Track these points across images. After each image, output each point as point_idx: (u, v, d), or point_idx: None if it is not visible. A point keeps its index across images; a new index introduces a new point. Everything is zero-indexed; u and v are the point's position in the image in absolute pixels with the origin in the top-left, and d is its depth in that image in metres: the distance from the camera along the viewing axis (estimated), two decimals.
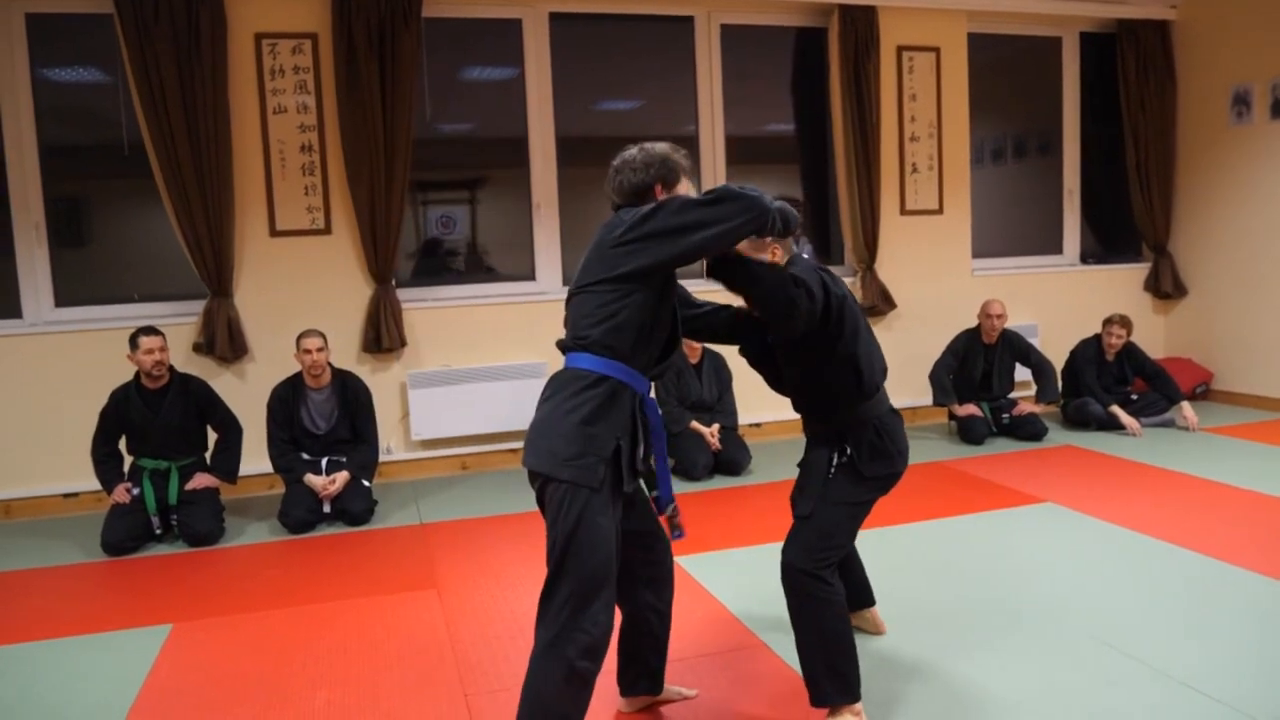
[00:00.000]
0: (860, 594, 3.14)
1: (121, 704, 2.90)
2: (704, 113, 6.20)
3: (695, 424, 5.25)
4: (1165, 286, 7.09)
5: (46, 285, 5.25)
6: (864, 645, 3.09)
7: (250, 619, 3.52)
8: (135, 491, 4.46)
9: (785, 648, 3.09)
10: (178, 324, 5.19)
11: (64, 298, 5.29)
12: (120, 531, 4.34)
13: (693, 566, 3.81)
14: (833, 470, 2.62)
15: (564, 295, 6.46)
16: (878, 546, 4.06)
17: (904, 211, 6.48)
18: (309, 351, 4.67)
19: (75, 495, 5.14)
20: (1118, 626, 3.16)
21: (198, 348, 5.26)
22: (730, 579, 3.70)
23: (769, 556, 3.95)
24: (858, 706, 2.53)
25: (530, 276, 5.95)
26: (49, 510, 5.12)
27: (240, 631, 3.40)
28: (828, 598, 2.53)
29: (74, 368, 5.11)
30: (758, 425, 6.12)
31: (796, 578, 2.54)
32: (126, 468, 4.62)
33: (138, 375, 4.53)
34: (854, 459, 2.60)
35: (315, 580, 3.94)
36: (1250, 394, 6.66)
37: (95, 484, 4.72)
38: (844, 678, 2.52)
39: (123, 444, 4.61)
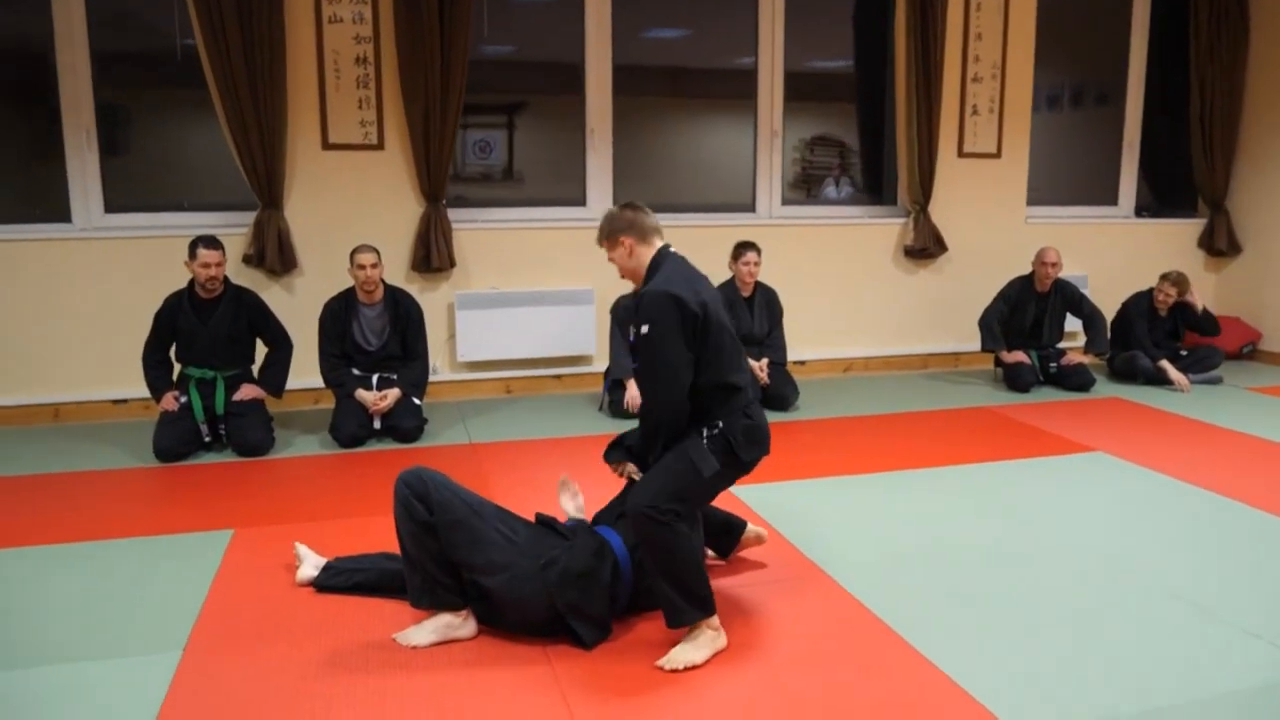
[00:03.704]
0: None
1: (193, 601, 2.94)
2: (764, 45, 6.05)
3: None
4: (1220, 244, 6.96)
5: (96, 191, 5.21)
6: (929, 586, 3.10)
7: (309, 528, 3.53)
8: (183, 400, 4.47)
9: (841, 572, 3.11)
10: (228, 235, 5.09)
11: (114, 204, 5.26)
12: (171, 438, 4.36)
13: (746, 496, 3.80)
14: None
15: None
16: (931, 487, 4.06)
17: (961, 154, 6.36)
18: (363, 267, 4.63)
19: (124, 401, 5.16)
20: (1178, 575, 3.14)
21: (248, 259, 5.24)
22: (781, 509, 3.69)
23: (817, 489, 3.97)
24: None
25: (581, 202, 5.87)
26: (97, 415, 5.15)
27: (300, 539, 3.41)
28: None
29: (123, 274, 5.10)
30: (801, 363, 6.08)
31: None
32: (175, 375, 4.62)
33: (191, 283, 4.51)
34: (730, 444, 2.66)
35: (370, 493, 3.95)
36: None
37: (144, 391, 4.74)
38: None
39: (172, 352, 4.62)
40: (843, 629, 2.79)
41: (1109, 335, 6.02)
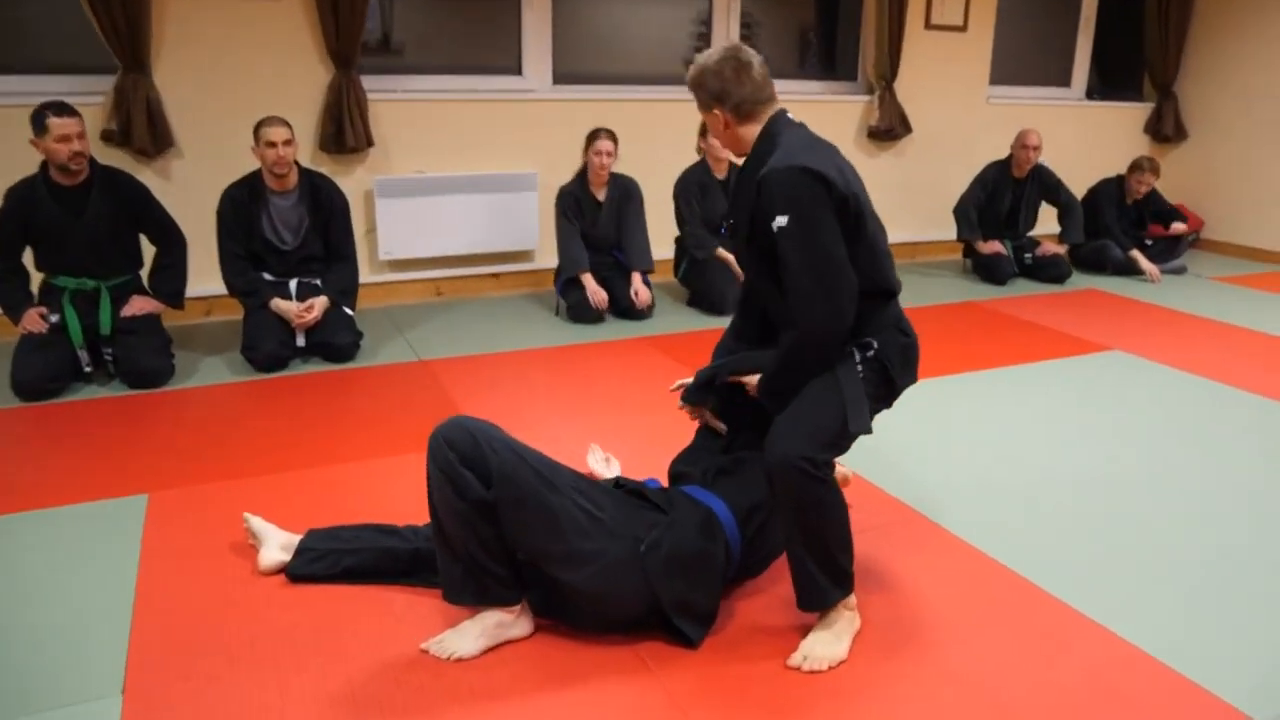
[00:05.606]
0: None
1: (119, 609, 2.14)
2: None
3: (722, 251, 4.57)
4: (1166, 129, 6.71)
5: None
6: (1050, 524, 2.60)
7: (249, 487, 2.73)
8: (54, 319, 3.48)
9: (940, 512, 2.57)
10: (80, 105, 4.00)
11: None
12: (39, 369, 3.37)
13: None
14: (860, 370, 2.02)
15: (555, 94, 5.45)
16: (970, 396, 3.59)
17: (929, 25, 5.76)
18: (273, 144, 3.67)
19: None
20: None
21: (108, 136, 4.15)
22: None
23: None
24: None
25: (516, 70, 4.98)
26: None
27: (235, 501, 2.60)
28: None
29: None
30: None
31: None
32: (36, 287, 3.60)
33: (45, 167, 3.46)
34: (886, 368, 2.03)
35: (313, 431, 3.15)
36: (1239, 244, 6.45)
37: None
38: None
39: (29, 258, 3.58)
40: (983, 590, 2.27)
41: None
